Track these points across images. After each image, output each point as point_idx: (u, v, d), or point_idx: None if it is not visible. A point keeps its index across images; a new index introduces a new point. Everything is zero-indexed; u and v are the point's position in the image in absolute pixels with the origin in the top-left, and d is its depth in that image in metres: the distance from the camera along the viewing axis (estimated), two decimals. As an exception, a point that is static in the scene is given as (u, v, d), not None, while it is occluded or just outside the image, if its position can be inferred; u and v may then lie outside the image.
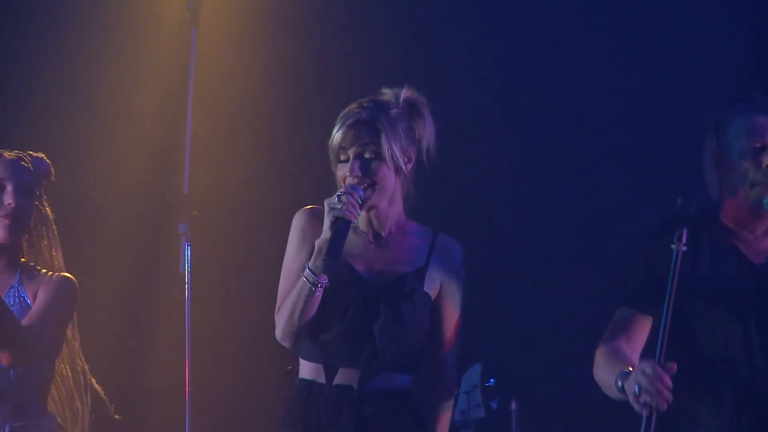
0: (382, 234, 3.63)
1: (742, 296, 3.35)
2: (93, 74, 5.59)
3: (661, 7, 5.47)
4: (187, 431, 4.74)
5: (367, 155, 3.54)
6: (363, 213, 3.55)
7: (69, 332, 3.90)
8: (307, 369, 3.59)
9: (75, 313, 3.90)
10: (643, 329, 3.39)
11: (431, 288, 3.61)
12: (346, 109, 3.61)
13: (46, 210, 3.94)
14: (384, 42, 5.57)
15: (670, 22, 5.46)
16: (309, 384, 3.57)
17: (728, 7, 5.39)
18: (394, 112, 3.59)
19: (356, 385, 3.53)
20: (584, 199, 5.51)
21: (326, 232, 3.44)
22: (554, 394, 5.36)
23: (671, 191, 5.35)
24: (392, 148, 3.55)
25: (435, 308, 3.63)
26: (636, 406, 3.12)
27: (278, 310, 3.55)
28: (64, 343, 3.89)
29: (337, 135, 3.55)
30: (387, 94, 3.65)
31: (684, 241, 3.18)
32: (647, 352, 3.33)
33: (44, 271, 3.87)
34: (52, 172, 3.96)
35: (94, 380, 4.03)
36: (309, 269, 3.45)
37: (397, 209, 3.64)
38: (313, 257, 3.46)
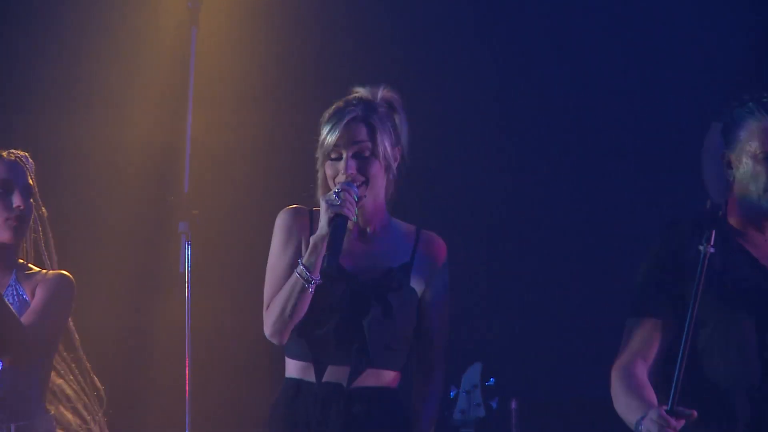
0: (368, 230, 3.63)
1: (754, 298, 3.31)
2: (93, 74, 5.58)
3: (661, 7, 5.47)
4: (187, 431, 4.73)
5: (365, 153, 3.55)
6: None
7: (70, 327, 3.92)
8: (294, 367, 3.59)
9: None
10: (655, 337, 3.35)
11: (417, 283, 3.61)
12: (334, 108, 3.61)
13: (41, 209, 3.95)
14: (384, 42, 5.57)
15: (670, 22, 5.46)
16: (296, 382, 3.57)
17: (728, 7, 5.39)
18: (382, 110, 3.61)
19: (345, 383, 3.53)
20: (584, 199, 5.51)
21: (323, 228, 3.45)
22: (554, 393, 5.37)
23: (671, 191, 5.40)
24: (385, 147, 3.57)
25: (421, 304, 3.62)
26: None
27: (267, 307, 3.54)
28: (66, 340, 3.90)
29: (331, 133, 3.55)
30: (361, 92, 3.65)
31: (712, 242, 3.15)
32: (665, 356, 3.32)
33: (40, 269, 3.89)
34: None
35: (95, 377, 4.04)
36: (303, 265, 3.46)
37: (382, 206, 3.65)
38: (307, 254, 3.47)
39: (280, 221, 3.63)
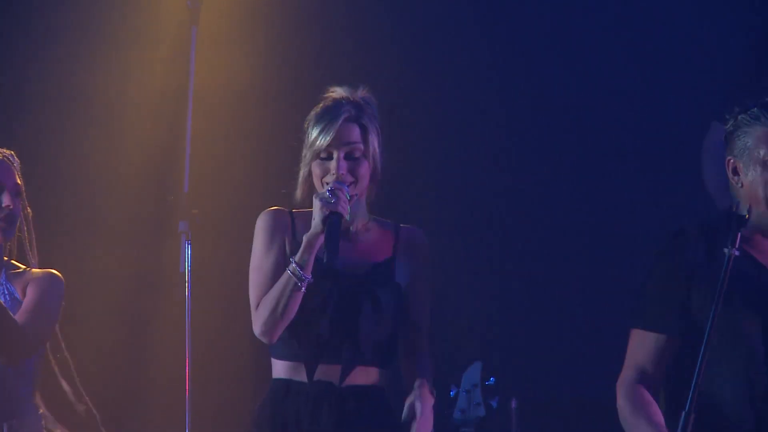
0: (351, 229, 3.63)
1: (762, 305, 3.27)
2: (93, 73, 5.58)
3: (661, 7, 5.47)
4: (187, 431, 4.73)
5: (356, 155, 3.55)
6: None
7: (55, 328, 3.92)
8: (282, 368, 3.59)
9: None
10: (660, 351, 3.32)
11: (401, 277, 3.63)
12: (323, 107, 3.61)
13: (27, 209, 3.95)
14: (384, 42, 5.57)
15: (670, 22, 5.46)
16: (286, 383, 3.57)
17: (728, 7, 5.39)
18: (370, 111, 3.61)
19: (337, 381, 3.53)
20: (584, 199, 5.51)
21: (317, 226, 3.45)
22: (555, 392, 5.37)
23: (671, 191, 5.40)
24: (375, 148, 3.58)
25: (407, 299, 3.63)
26: None
27: (256, 306, 3.55)
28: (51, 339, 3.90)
29: (324, 133, 3.55)
30: (337, 92, 3.64)
31: (737, 245, 3.12)
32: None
33: (26, 267, 3.89)
34: None
35: (76, 374, 4.03)
36: (296, 263, 3.46)
37: (363, 204, 3.65)
38: (300, 252, 3.47)
39: (262, 222, 3.64)
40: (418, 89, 5.57)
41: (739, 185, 3.34)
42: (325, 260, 3.43)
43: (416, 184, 5.55)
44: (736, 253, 3.11)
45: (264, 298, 3.52)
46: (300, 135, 3.69)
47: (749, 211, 3.17)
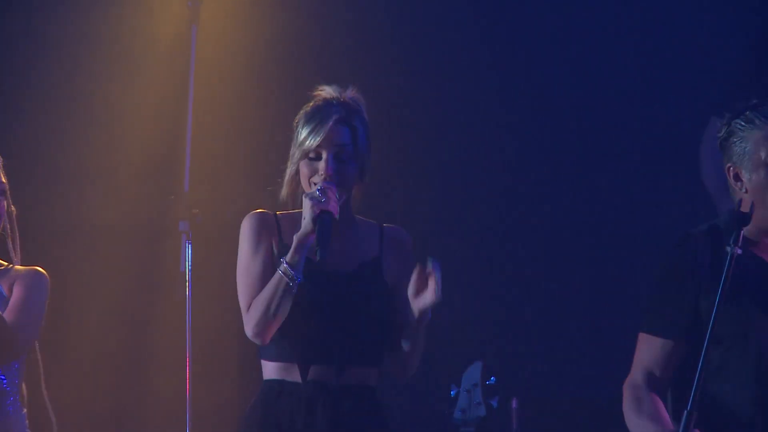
0: (338, 228, 3.63)
1: None
2: (93, 73, 5.58)
3: (661, 7, 5.47)
4: (187, 431, 4.73)
5: (344, 156, 3.55)
6: None
7: None
8: (273, 369, 3.57)
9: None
10: (668, 356, 3.30)
11: (389, 276, 3.62)
12: (313, 107, 3.60)
13: (11, 206, 3.94)
14: (384, 42, 5.57)
15: (670, 22, 5.46)
16: (278, 384, 3.55)
17: (728, 7, 5.39)
18: (359, 112, 3.61)
19: (331, 381, 3.52)
20: (584, 199, 5.52)
21: (307, 225, 3.44)
22: (555, 392, 5.37)
23: (671, 191, 5.41)
24: (364, 150, 3.58)
25: (394, 297, 3.62)
26: None
27: (247, 309, 3.54)
28: None
29: (314, 134, 3.54)
30: (327, 91, 3.64)
31: (740, 243, 3.09)
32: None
33: (10, 265, 3.88)
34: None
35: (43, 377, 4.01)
36: (287, 264, 3.46)
37: (350, 205, 3.65)
38: (291, 252, 3.46)
39: (248, 225, 3.62)
40: (418, 89, 5.57)
41: (743, 191, 3.31)
42: (317, 258, 3.43)
43: (416, 183, 5.55)
44: (739, 251, 3.09)
45: (255, 300, 3.51)
46: (289, 133, 3.68)
47: (752, 209, 3.15)
